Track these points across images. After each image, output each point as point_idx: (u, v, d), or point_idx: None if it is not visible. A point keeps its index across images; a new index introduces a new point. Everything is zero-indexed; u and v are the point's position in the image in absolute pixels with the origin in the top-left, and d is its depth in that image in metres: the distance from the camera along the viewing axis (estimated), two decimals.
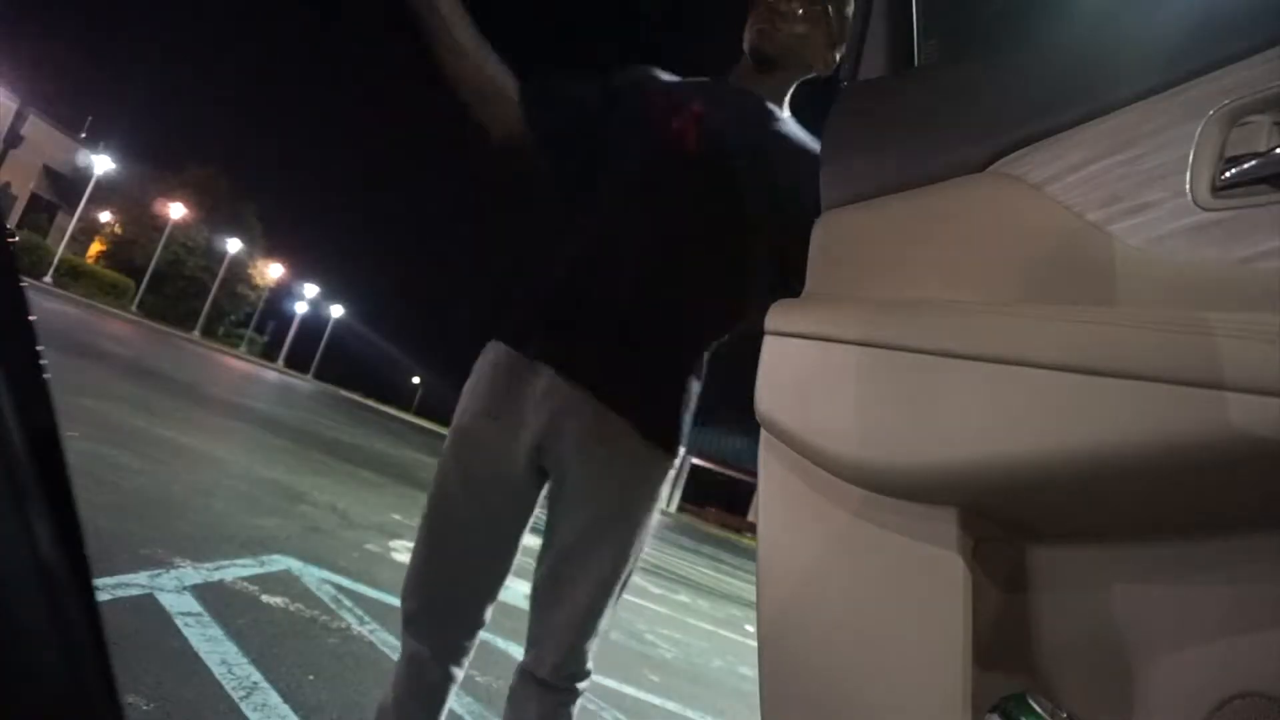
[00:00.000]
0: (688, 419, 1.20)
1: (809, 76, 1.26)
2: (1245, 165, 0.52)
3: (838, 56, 1.21)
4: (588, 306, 1.16)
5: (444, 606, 1.23)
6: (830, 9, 1.19)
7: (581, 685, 1.20)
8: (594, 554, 1.17)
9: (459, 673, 1.26)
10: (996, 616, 0.66)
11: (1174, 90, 0.57)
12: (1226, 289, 0.51)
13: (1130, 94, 0.60)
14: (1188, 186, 0.55)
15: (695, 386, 1.22)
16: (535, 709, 1.18)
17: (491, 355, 1.22)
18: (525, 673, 1.19)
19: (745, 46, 1.22)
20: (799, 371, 0.79)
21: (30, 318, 0.29)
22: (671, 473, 1.21)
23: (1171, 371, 0.50)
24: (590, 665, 1.21)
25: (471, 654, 1.26)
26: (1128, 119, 0.60)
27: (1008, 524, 0.66)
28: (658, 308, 1.17)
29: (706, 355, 1.24)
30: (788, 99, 1.27)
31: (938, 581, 0.64)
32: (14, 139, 21.01)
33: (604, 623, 1.19)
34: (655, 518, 1.21)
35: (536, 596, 1.20)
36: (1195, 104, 0.56)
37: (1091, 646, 0.62)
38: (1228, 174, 0.53)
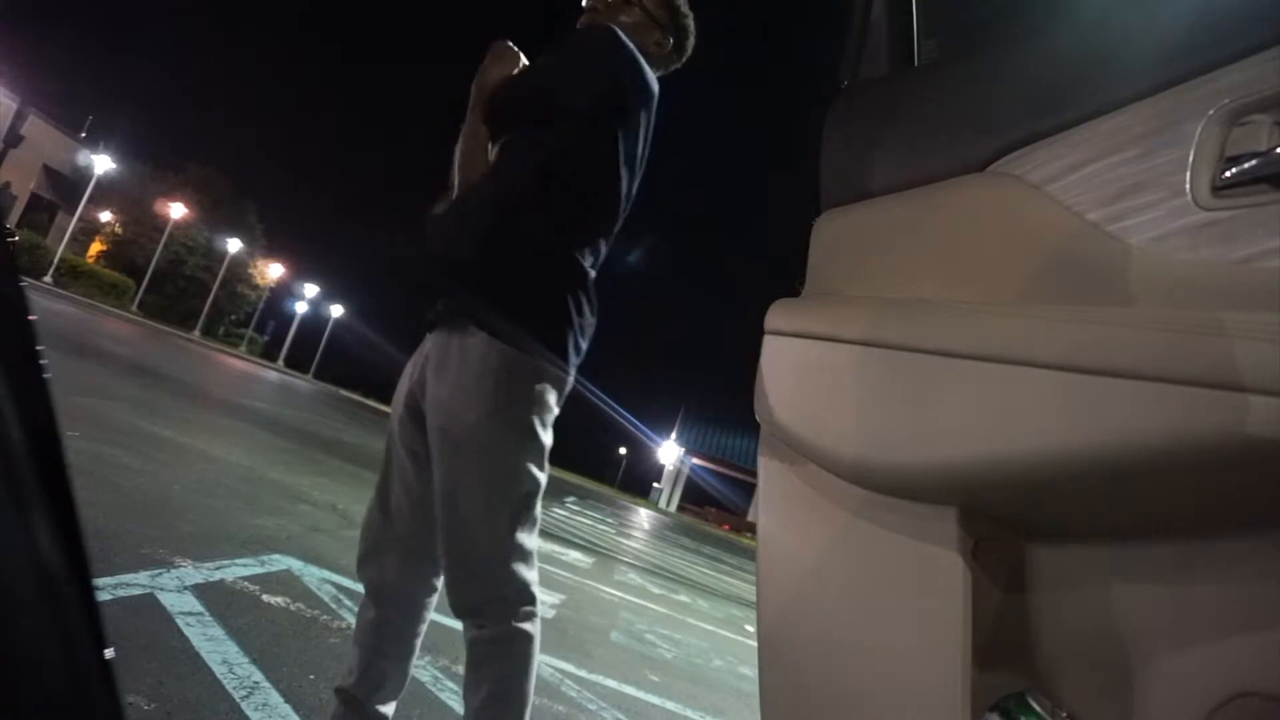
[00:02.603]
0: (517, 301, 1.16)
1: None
2: (1245, 165, 0.52)
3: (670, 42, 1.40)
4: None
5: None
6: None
7: (491, 627, 1.10)
8: (440, 471, 1.13)
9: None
10: (996, 616, 0.66)
11: (1174, 90, 0.57)
12: (1226, 289, 0.51)
13: (1130, 94, 0.60)
14: (1188, 186, 0.55)
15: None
16: (469, 662, 1.13)
17: None
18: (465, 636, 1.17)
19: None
20: (799, 371, 0.79)
21: (30, 318, 0.29)
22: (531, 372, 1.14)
23: (1171, 371, 0.50)
24: (495, 592, 1.10)
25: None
26: (1128, 119, 0.60)
27: (1007, 523, 0.66)
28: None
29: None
30: None
31: (938, 581, 0.64)
32: (14, 139, 21.00)
33: (482, 539, 1.10)
34: (518, 414, 1.11)
35: None
36: (1195, 104, 0.56)
37: (1091, 646, 0.62)
38: (1228, 174, 0.53)
